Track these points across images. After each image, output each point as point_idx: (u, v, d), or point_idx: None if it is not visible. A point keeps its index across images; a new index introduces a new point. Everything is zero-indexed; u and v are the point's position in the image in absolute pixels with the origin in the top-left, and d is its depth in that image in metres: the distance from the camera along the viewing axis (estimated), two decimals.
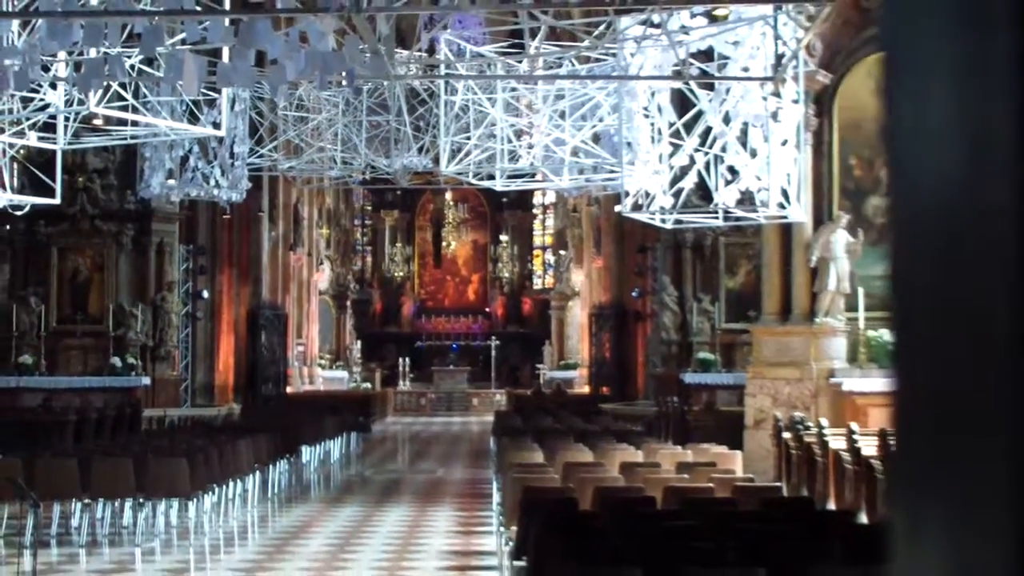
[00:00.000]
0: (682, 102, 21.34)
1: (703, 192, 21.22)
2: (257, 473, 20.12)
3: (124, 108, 18.94)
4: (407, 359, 61.75)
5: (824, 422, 18.14)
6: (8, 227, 31.74)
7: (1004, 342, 1.18)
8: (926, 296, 1.39)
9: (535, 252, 68.57)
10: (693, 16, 19.39)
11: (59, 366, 33.23)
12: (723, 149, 20.28)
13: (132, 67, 16.56)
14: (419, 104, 27.28)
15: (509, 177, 24.99)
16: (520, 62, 22.80)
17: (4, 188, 22.41)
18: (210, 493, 17.56)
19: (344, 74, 15.85)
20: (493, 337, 63.68)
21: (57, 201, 22.80)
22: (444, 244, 69.00)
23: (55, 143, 19.80)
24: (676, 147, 21.09)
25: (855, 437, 15.46)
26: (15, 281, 33.53)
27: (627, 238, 42.92)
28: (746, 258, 33.00)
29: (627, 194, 21.98)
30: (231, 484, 18.61)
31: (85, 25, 13.19)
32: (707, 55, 20.36)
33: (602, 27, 20.93)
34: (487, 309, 68.11)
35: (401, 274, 68.53)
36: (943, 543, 1.34)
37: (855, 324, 21.36)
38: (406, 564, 15.89)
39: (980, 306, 1.23)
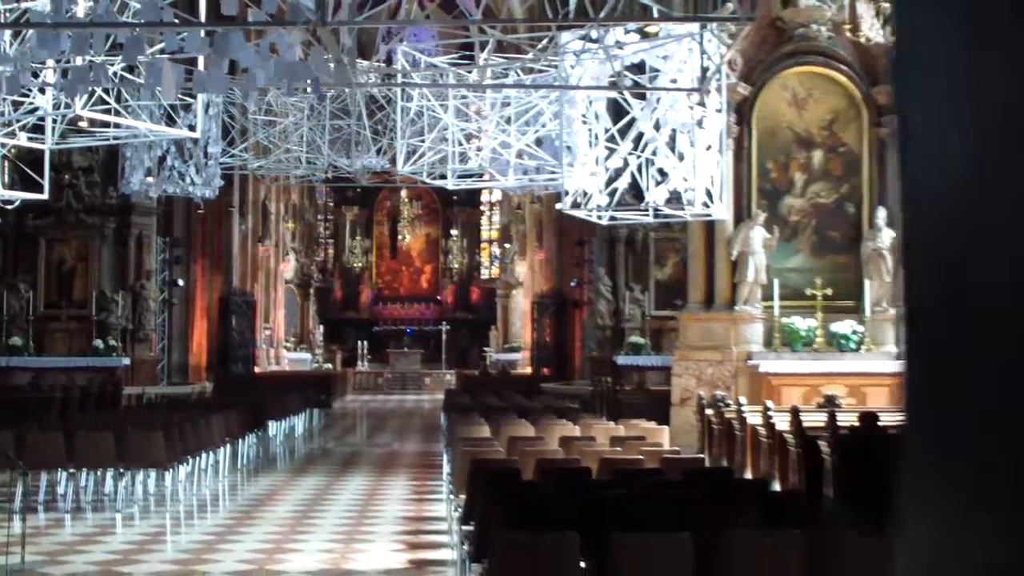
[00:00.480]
0: (617, 110, 21.40)
1: (635, 192, 21.27)
2: (228, 446, 20.07)
3: (107, 111, 18.86)
4: (365, 342, 61.65)
5: (742, 400, 18.23)
6: (0, 220, 31.63)
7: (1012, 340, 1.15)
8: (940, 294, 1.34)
9: (482, 245, 68.54)
10: (627, 32, 19.44)
11: (46, 347, 33.30)
12: (654, 153, 20.35)
13: (115, 74, 16.49)
14: (378, 109, 27.24)
15: (459, 177, 24.99)
16: (470, 72, 22.80)
17: None
18: (184, 464, 17.54)
19: (310, 82, 15.81)
20: (444, 322, 63.66)
21: (45, 196, 22.69)
22: (400, 237, 68.94)
23: (43, 143, 19.71)
24: (611, 151, 21.14)
25: (770, 413, 15.55)
26: (6, 269, 33.47)
27: (566, 233, 43.03)
28: (673, 252, 33.16)
29: (567, 193, 22.04)
30: (204, 456, 18.57)
31: (72, 35, 13.13)
32: (639, 68, 20.43)
33: (545, 41, 20.98)
34: (438, 297, 68.05)
35: (360, 265, 68.41)
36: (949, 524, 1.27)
37: (770, 312, 21.46)
38: (364, 528, 15.89)
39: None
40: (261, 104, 26.45)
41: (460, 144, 23.45)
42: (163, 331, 37.08)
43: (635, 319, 35.06)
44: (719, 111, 19.80)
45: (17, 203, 25.11)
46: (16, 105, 19.06)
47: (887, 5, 19.28)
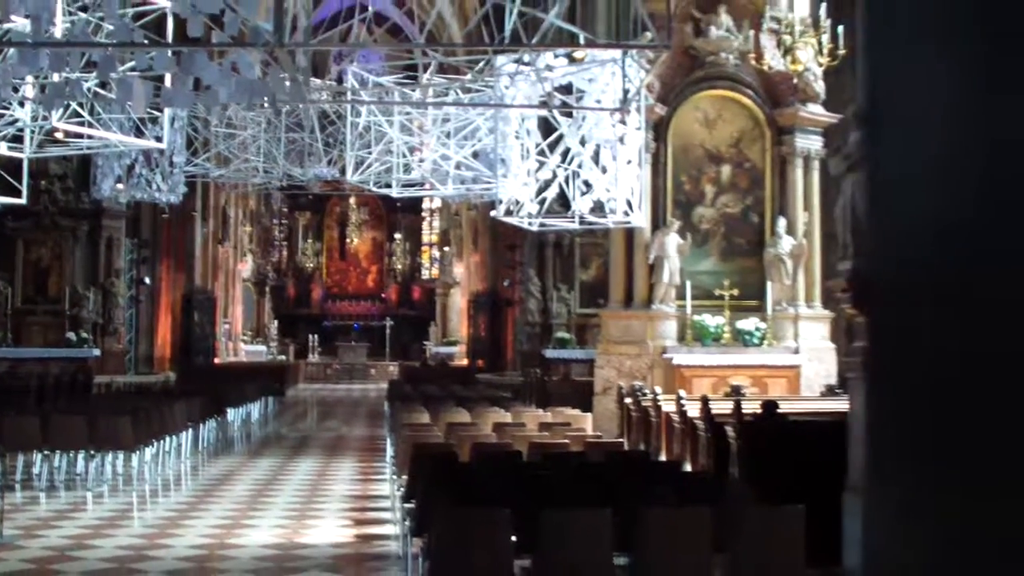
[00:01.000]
0: (546, 127, 21.43)
1: (563, 201, 21.31)
2: (189, 430, 19.96)
3: (81, 123, 18.70)
4: (316, 336, 61.44)
5: (658, 389, 18.30)
6: None
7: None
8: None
9: (423, 248, 68.47)
10: (556, 57, 19.48)
11: (23, 339, 33.15)
12: (579, 166, 20.40)
13: (89, 89, 16.36)
14: (329, 124, 27.11)
15: (403, 186, 24.94)
16: (414, 91, 22.77)
17: None
18: (150, 446, 17.44)
19: (267, 98, 15.76)
20: (388, 318, 63.50)
21: (23, 201, 22.48)
22: (348, 240, 68.74)
23: (22, 152, 19.53)
24: (541, 164, 21.17)
25: (682, 402, 15.61)
26: None
27: (500, 238, 43.06)
28: (597, 255, 33.26)
29: (500, 201, 22.06)
30: (168, 439, 18.46)
31: (50, 53, 13.02)
32: (567, 89, 20.46)
33: (482, 64, 20.98)
34: (383, 295, 67.89)
35: (312, 265, 68.17)
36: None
37: (683, 310, 21.57)
38: (315, 506, 15.85)
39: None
40: (222, 118, 26.30)
41: (404, 156, 23.39)
42: (131, 325, 36.86)
43: (562, 316, 35.16)
44: (638, 129, 19.87)
45: None
46: None
47: (787, 37, 19.41)
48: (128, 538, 13.20)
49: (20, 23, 14.14)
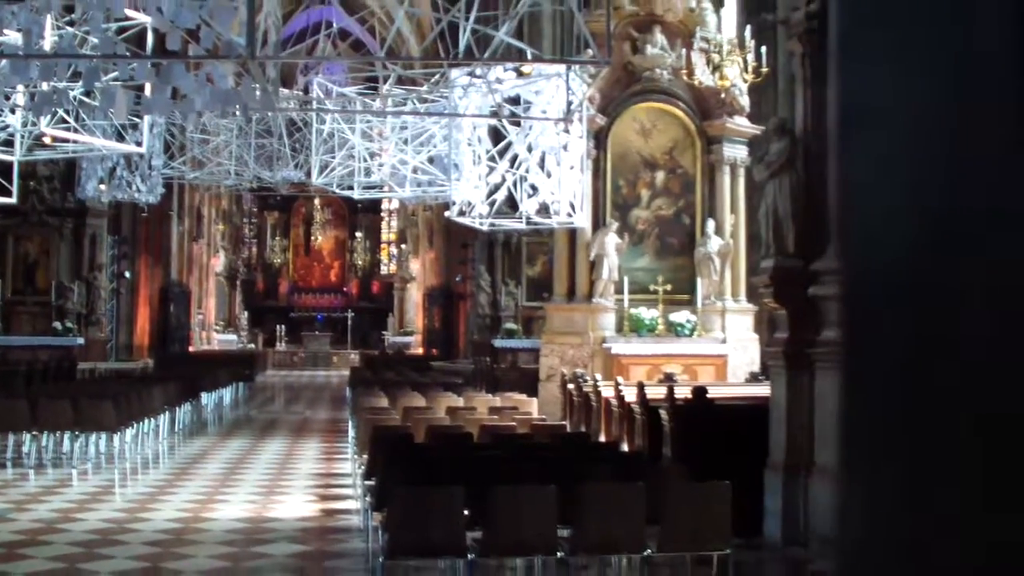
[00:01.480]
0: (496, 134, 21.46)
1: (511, 203, 21.34)
2: (166, 413, 19.88)
3: (67, 129, 18.59)
4: (283, 326, 61.25)
5: (598, 376, 18.38)
6: None
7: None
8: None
9: (382, 246, 68.31)
10: (506, 71, 19.52)
11: (12, 328, 32.97)
12: (526, 171, 20.45)
13: (75, 98, 16.27)
14: (296, 130, 27.00)
15: (364, 188, 24.88)
16: (374, 101, 22.75)
17: None
18: (130, 427, 17.37)
19: (239, 106, 15.72)
20: (349, 310, 63.38)
21: (14, 200, 22.29)
22: (313, 238, 68.49)
23: (13, 155, 19.38)
24: (491, 168, 21.21)
25: (620, 387, 15.67)
26: None
27: (453, 236, 43.05)
28: (542, 253, 33.28)
29: (453, 203, 22.07)
30: (146, 421, 18.39)
31: (40, 65, 12.93)
32: (516, 100, 20.51)
33: (437, 76, 21.00)
34: (345, 289, 67.70)
35: (279, 261, 67.87)
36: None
37: (621, 303, 21.65)
38: (282, 483, 15.85)
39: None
40: (198, 124, 26.14)
41: (365, 160, 23.34)
42: (112, 315, 36.58)
43: (510, 309, 35.19)
44: (581, 137, 19.95)
45: None
46: None
47: (716, 56, 19.51)
48: (110, 512, 13.16)
49: (12, 37, 14.05)
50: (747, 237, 21.91)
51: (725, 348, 21.47)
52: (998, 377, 0.99)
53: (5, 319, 32.90)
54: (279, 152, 26.76)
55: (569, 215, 20.03)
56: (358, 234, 67.96)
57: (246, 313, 60.88)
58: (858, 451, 1.17)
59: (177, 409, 21.14)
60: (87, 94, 15.90)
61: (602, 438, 15.50)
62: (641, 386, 14.52)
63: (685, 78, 21.67)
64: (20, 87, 15.93)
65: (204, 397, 24.65)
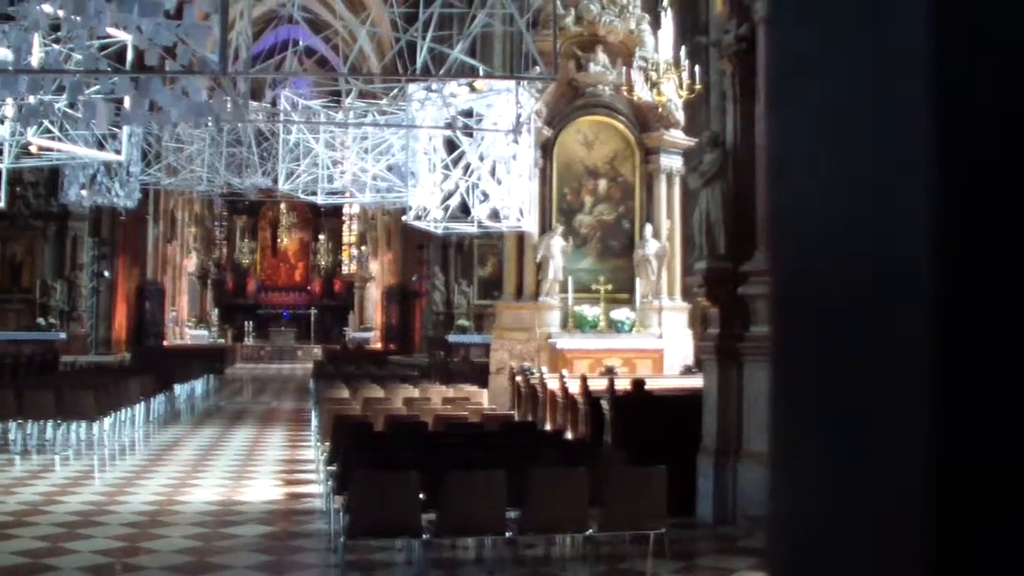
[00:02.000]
0: (451, 145, 21.46)
1: (464, 208, 21.35)
2: (142, 402, 19.76)
3: (52, 138, 18.43)
4: (251, 322, 60.93)
5: (544, 369, 18.42)
6: None
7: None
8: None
9: (344, 247, 68.04)
10: (460, 86, 19.54)
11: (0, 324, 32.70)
12: (478, 179, 20.46)
13: (59, 109, 16.14)
14: (264, 140, 26.84)
15: (327, 194, 24.77)
16: (337, 113, 22.68)
17: None
18: (109, 416, 17.26)
19: (212, 118, 15.66)
20: (313, 308, 63.13)
21: (2, 205, 22.07)
22: (279, 240, 68.15)
23: (1, 163, 19.20)
24: (446, 176, 21.22)
25: (565, 379, 15.71)
26: None
27: (409, 239, 42.93)
28: (492, 255, 33.33)
29: (410, 208, 22.06)
30: (124, 410, 18.28)
31: (28, 79, 12.84)
32: (469, 113, 20.52)
33: (396, 90, 20.97)
34: (309, 288, 67.38)
35: (247, 261, 67.46)
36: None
37: (566, 302, 21.73)
38: (250, 468, 15.80)
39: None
40: (173, 134, 25.97)
41: (328, 168, 23.25)
42: (92, 312, 36.30)
43: (462, 307, 35.22)
44: (529, 148, 19.98)
45: None
46: None
47: (653, 73, 19.64)
48: (91, 495, 13.08)
49: (2, 53, 13.95)
50: (682, 240, 22.06)
51: (662, 343, 21.59)
52: (919, 370, 1.02)
53: None
54: (248, 160, 26.59)
55: (518, 220, 20.07)
56: (321, 236, 67.69)
57: (216, 310, 60.46)
58: (787, 439, 1.22)
59: (152, 399, 21.01)
60: (71, 106, 15.75)
61: (548, 427, 15.55)
62: (584, 378, 14.58)
63: (625, 94, 21.80)
64: (9, 100, 15.80)
65: (177, 388, 24.49)
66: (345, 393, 17.64)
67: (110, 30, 12.89)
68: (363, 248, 61.08)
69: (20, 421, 16.81)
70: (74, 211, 32.86)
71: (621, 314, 21.64)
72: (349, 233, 67.75)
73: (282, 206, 64.11)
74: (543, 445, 11.25)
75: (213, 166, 26.31)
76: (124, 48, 13.69)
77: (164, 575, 9.26)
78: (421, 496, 8.68)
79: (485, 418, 14.20)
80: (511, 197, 20.01)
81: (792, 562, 1.19)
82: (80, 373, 24.52)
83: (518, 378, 19.28)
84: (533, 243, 21.73)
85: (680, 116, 21.95)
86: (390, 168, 22.70)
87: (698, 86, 18.95)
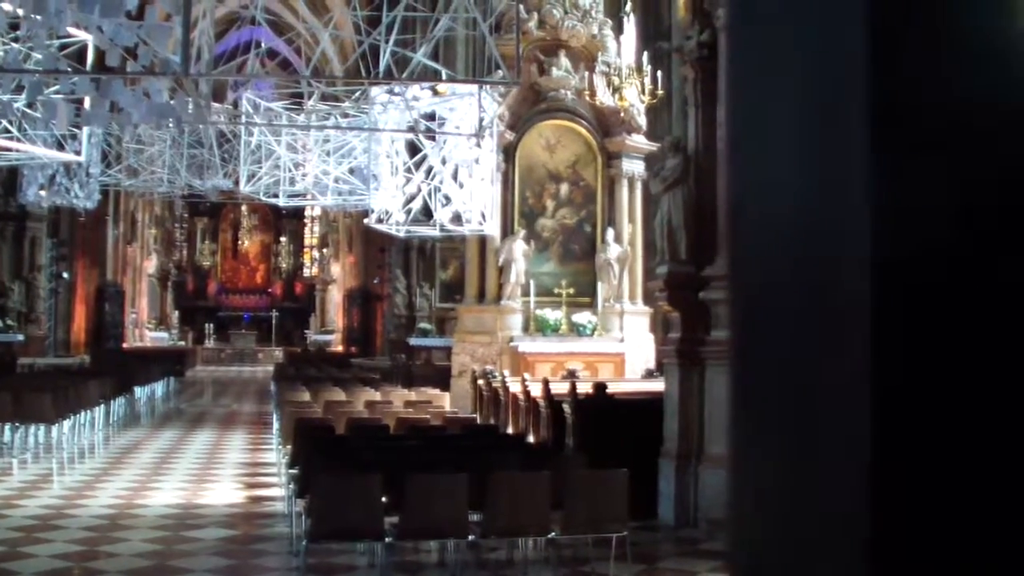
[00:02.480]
0: (413, 148, 21.45)
1: (426, 211, 21.34)
2: (102, 405, 19.56)
3: (11, 138, 18.26)
4: (212, 324, 60.63)
5: (506, 373, 18.45)
6: None
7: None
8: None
9: (305, 250, 67.84)
10: (422, 89, 19.53)
11: None
12: (441, 182, 20.45)
13: (18, 109, 15.99)
14: (225, 141, 26.70)
15: (289, 196, 24.67)
16: (299, 115, 22.61)
17: None
18: (68, 419, 17.05)
19: (174, 119, 15.56)
20: (274, 310, 62.91)
21: None
22: (240, 242, 67.85)
23: None
24: (408, 179, 21.20)
25: (527, 383, 15.74)
26: None
27: (371, 242, 42.83)
28: (455, 258, 33.26)
29: (372, 211, 22.02)
30: (83, 413, 18.08)
31: None
32: (432, 116, 20.52)
33: (359, 93, 20.93)
34: (270, 290, 67.12)
35: (208, 263, 67.13)
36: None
37: (528, 305, 21.77)
38: (211, 471, 15.70)
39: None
40: (133, 135, 25.79)
41: (290, 171, 23.17)
42: (50, 313, 35.99)
43: (424, 310, 35.15)
44: (491, 151, 20.02)
45: None
46: None
47: (615, 79, 19.71)
48: (49, 499, 12.96)
49: None
50: (644, 245, 22.15)
51: (623, 347, 21.66)
52: (861, 368, 1.03)
53: None
54: (209, 162, 26.44)
55: (480, 223, 20.08)
56: (282, 239, 67.46)
57: (177, 312, 60.10)
58: (745, 442, 1.22)
59: (112, 402, 20.81)
60: (30, 106, 15.62)
61: (510, 430, 15.55)
62: (546, 382, 14.59)
63: (588, 98, 21.86)
64: None
65: (137, 391, 24.28)
66: (306, 396, 17.56)
67: (70, 30, 12.79)
68: (324, 250, 60.90)
69: None
70: (33, 212, 32.52)
71: (583, 318, 21.69)
72: (311, 235, 67.55)
73: (243, 208, 63.81)
74: (505, 448, 11.25)
75: (174, 167, 26.15)
76: (84, 48, 13.59)
77: None
78: (383, 499, 8.66)
79: (447, 421, 14.19)
80: (473, 201, 20.02)
81: (749, 562, 1.22)
82: (38, 375, 24.28)
83: (480, 381, 19.28)
84: (495, 247, 21.75)
85: (642, 121, 22.04)
86: (352, 171, 22.64)
87: (660, 91, 19.05)
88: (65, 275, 36.88)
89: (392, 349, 35.53)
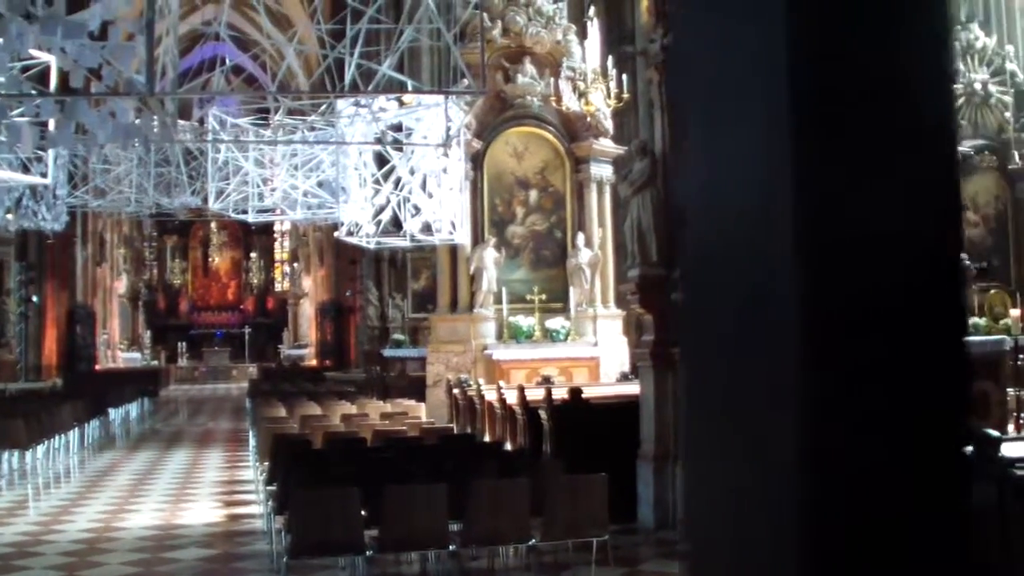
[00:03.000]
0: (381, 159, 21.43)
1: (396, 222, 21.32)
2: (76, 428, 19.44)
3: None
4: (184, 343, 60.30)
5: (481, 381, 18.44)
6: None
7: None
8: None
9: (276, 265, 67.59)
10: (388, 101, 19.51)
11: None
12: (410, 192, 20.45)
13: None
14: (193, 159, 26.60)
15: (258, 211, 24.60)
16: (266, 130, 22.55)
17: None
18: (41, 444, 16.94)
19: (140, 139, 15.49)
20: (246, 326, 62.60)
21: None
22: (210, 259, 67.54)
23: None
24: (377, 191, 21.18)
25: (502, 391, 15.75)
26: None
27: (342, 254, 42.70)
28: (426, 268, 33.23)
29: (342, 223, 22.00)
30: (57, 437, 17.96)
31: None
32: (399, 127, 20.50)
33: (325, 107, 20.91)
34: (242, 306, 66.83)
35: (179, 281, 66.81)
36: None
37: (500, 313, 21.77)
38: (189, 491, 15.63)
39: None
40: (100, 155, 25.66)
41: (258, 186, 23.11)
42: (21, 337, 35.73)
43: (397, 320, 35.08)
44: (459, 160, 20.03)
45: None
46: None
47: (581, 84, 19.73)
48: (25, 525, 12.86)
49: None
50: (614, 248, 22.20)
51: (597, 351, 21.69)
52: (789, 365, 1.04)
53: None
54: (177, 180, 26.35)
55: (450, 232, 20.09)
56: (253, 254, 67.21)
57: (149, 332, 59.77)
58: (694, 444, 1.24)
59: (86, 425, 20.69)
60: None
61: (487, 438, 15.56)
62: (521, 389, 14.61)
63: (554, 104, 21.89)
64: None
65: (111, 412, 24.15)
66: (282, 411, 17.52)
67: (33, 51, 12.72)
68: (295, 265, 60.72)
69: None
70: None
71: (556, 323, 21.71)
72: (281, 250, 67.32)
73: (212, 225, 63.55)
74: (483, 457, 11.25)
75: (142, 186, 26.03)
76: (48, 70, 13.51)
77: None
78: (363, 512, 8.65)
79: (424, 432, 14.18)
80: (443, 210, 20.03)
81: (698, 559, 1.23)
82: (10, 400, 24.09)
83: (455, 391, 19.27)
84: (466, 255, 21.74)
85: (609, 125, 22.09)
86: (320, 184, 22.60)
87: (626, 95, 19.10)
88: (35, 299, 36.61)
89: (366, 361, 35.44)
